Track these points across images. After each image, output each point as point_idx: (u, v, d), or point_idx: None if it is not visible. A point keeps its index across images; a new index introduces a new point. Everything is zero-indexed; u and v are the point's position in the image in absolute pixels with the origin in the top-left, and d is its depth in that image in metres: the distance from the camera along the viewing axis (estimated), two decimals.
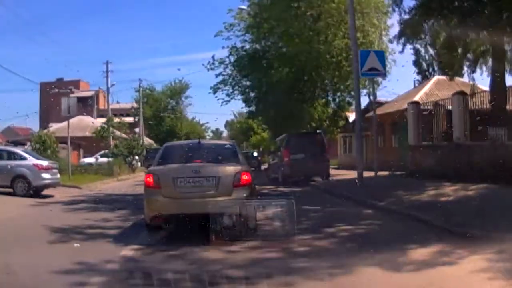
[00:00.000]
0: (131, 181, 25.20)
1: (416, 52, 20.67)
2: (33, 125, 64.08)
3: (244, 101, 32.19)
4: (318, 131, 23.56)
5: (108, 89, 41.80)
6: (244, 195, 7.91)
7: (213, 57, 30.28)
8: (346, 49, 23.52)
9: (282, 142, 21.94)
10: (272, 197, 13.32)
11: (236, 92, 31.03)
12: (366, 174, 16.14)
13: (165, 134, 68.14)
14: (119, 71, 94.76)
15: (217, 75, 30.35)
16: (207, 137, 73.72)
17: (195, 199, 7.81)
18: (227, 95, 30.54)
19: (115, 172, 27.75)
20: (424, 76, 31.54)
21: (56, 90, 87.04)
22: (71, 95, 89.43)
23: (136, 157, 32.35)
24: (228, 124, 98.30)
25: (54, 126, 63.30)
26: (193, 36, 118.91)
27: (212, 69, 30.90)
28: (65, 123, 59.29)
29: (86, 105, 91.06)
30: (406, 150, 21.43)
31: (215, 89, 30.48)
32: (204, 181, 7.93)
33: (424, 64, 27.00)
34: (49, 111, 73.36)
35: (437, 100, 21.23)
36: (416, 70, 30.43)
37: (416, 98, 27.73)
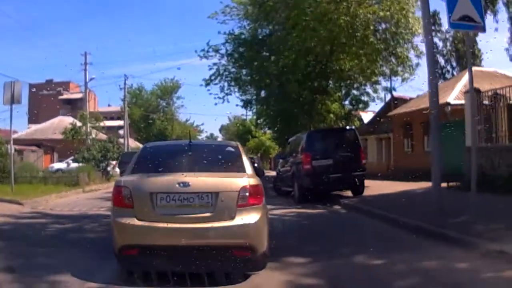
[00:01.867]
0: (101, 193, 19.92)
1: None
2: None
3: (243, 95, 27.32)
4: (348, 127, 17.56)
5: (86, 83, 36.19)
6: (254, 220, 5.43)
7: (207, 43, 25.45)
8: (373, 21, 18.58)
9: (299, 143, 15.76)
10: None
11: (232, 87, 26.31)
12: (402, 186, 13.52)
13: (155, 137, 63.00)
14: (112, 75, 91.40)
15: (210, 67, 25.58)
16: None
17: (182, 225, 5.34)
18: (222, 90, 25.83)
19: (83, 181, 22.34)
20: None
21: (45, 91, 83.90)
22: (60, 96, 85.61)
23: (113, 162, 26.94)
24: (223, 128, 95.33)
25: (33, 127, 58.14)
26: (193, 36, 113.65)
27: (205, 57, 26.30)
28: (44, 124, 54.32)
29: (75, 107, 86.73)
30: (458, 154, 16.12)
31: (207, 82, 25.73)
32: (196, 199, 5.45)
33: None
34: (38, 112, 70.25)
35: (496, 89, 16.04)
36: None
37: (452, 94, 22.89)
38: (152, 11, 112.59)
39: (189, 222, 5.37)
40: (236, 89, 26.34)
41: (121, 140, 51.44)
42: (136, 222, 5.42)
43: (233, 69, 26.19)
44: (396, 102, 30.67)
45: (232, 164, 6.12)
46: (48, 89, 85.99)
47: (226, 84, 25.98)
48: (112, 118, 72.22)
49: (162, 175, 5.78)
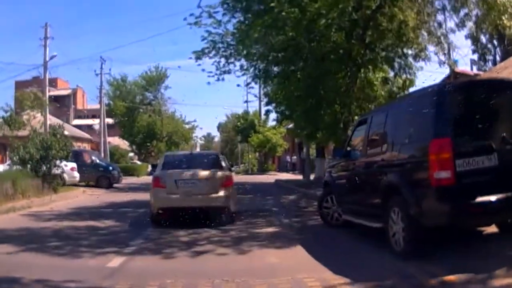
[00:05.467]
0: (38, 221, 11.74)
1: None
2: None
3: (246, 72, 19.43)
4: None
5: (45, 63, 27.52)
6: (228, 193, 10.66)
7: (198, 5, 17.46)
8: None
9: (405, 117, 6.84)
10: None
11: (232, 62, 18.82)
12: None
13: (142, 135, 54.75)
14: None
15: (203, 37, 17.92)
16: (195, 138, 67.36)
17: (192, 196, 10.41)
18: (218, 67, 18.69)
19: (7, 195, 14.09)
20: None
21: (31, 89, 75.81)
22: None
23: (63, 163, 18.55)
24: (220, 126, 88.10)
25: None
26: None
27: (196, 24, 18.23)
28: None
29: (62, 104, 78.56)
30: None
31: (198, 54, 18.48)
32: (198, 182, 10.61)
33: None
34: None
35: None
36: None
37: None
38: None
39: (195, 194, 10.44)
40: (237, 63, 18.61)
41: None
42: (166, 195, 10.49)
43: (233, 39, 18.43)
44: (458, 78, 22.41)
45: (215, 164, 11.32)
46: (35, 85, 77.47)
47: (223, 59, 18.60)
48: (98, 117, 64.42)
49: (179, 170, 10.91)
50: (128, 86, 55.00)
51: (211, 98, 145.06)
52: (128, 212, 13.37)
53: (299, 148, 28.94)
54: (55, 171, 17.90)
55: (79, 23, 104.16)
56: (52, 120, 41.91)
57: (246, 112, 50.12)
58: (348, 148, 8.86)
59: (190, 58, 18.44)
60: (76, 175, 21.35)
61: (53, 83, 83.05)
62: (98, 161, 24.93)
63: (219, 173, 10.73)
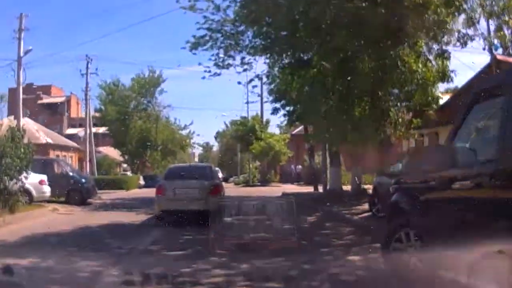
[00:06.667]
0: None
1: None
2: None
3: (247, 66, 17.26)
4: None
5: (19, 57, 23.78)
6: (215, 199, 11.69)
7: None
8: None
9: None
10: None
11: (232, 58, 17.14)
12: None
13: (136, 142, 51.12)
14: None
15: (199, 26, 16.13)
16: (193, 146, 65.80)
17: (186, 201, 12.80)
18: (216, 61, 17.04)
19: None
20: None
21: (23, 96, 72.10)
22: (39, 101, 73.80)
23: (24, 176, 14.80)
24: (219, 135, 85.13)
25: None
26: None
27: (192, 9, 16.37)
28: None
29: (55, 112, 75.09)
30: None
31: (193, 45, 16.75)
32: (191, 191, 13.05)
33: None
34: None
35: None
36: None
37: None
38: None
39: (189, 199, 12.77)
40: (237, 57, 16.85)
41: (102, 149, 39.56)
42: (167, 200, 13.03)
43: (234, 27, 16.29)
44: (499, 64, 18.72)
45: (206, 175, 13.98)
46: (28, 93, 74.30)
47: (222, 52, 16.91)
48: (95, 125, 60.78)
49: (178, 179, 13.60)
50: (122, 90, 51.32)
51: (208, 105, 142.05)
52: (101, 245, 9.63)
53: (310, 154, 25.19)
54: (13, 186, 14.16)
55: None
56: (30, 125, 38.36)
57: (245, 118, 46.17)
58: (456, 149, 4.96)
59: (184, 48, 16.66)
60: (46, 189, 17.60)
61: (45, 90, 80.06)
62: (69, 172, 21.07)
63: (207, 183, 13.27)
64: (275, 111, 21.92)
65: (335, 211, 14.77)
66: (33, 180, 17.04)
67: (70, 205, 18.86)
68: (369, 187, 17.17)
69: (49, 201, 18.62)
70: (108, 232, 11.73)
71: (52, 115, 74.84)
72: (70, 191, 19.72)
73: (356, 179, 19.23)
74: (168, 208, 12.76)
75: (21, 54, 22.85)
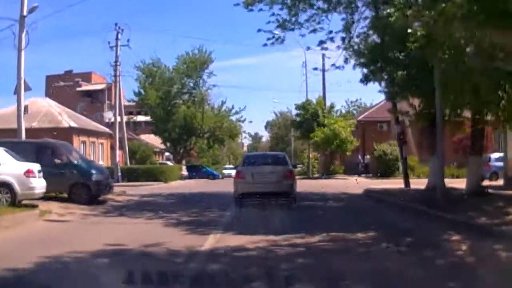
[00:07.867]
0: None
1: None
2: None
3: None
4: None
5: (22, 17, 18.09)
6: (292, 183, 13.87)
7: None
8: None
9: None
10: None
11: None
12: None
13: (178, 129, 45.89)
14: None
15: None
16: (244, 134, 62.25)
17: (265, 184, 13.55)
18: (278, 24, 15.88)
19: None
20: None
21: (61, 83, 69.04)
22: (78, 88, 70.11)
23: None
24: (269, 125, 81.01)
25: None
26: None
27: None
28: (10, 108, 35.49)
29: (96, 100, 71.59)
30: None
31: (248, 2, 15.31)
32: (268, 174, 13.79)
33: None
34: None
35: None
36: None
37: None
38: None
39: (267, 182, 13.57)
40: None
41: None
42: (246, 183, 13.71)
43: None
44: None
45: (282, 161, 14.90)
46: (67, 79, 72.51)
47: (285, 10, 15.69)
48: (139, 113, 56.43)
49: (256, 166, 14.46)
50: (164, 71, 46.23)
51: (257, 95, 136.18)
52: None
53: (401, 140, 18.80)
54: None
55: None
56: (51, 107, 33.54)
57: (308, 101, 39.41)
58: None
59: (237, 4, 15.52)
60: (37, 183, 11.81)
61: (86, 77, 76.62)
62: (75, 160, 15.12)
63: (282, 168, 14.20)
64: (366, 78, 15.32)
65: (481, 224, 8.45)
66: (16, 170, 11.56)
67: (75, 204, 13.22)
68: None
69: (49, 198, 13.13)
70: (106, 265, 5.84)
71: (92, 102, 71.41)
72: (74, 186, 13.94)
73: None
74: (248, 191, 13.52)
75: (24, 13, 17.40)
